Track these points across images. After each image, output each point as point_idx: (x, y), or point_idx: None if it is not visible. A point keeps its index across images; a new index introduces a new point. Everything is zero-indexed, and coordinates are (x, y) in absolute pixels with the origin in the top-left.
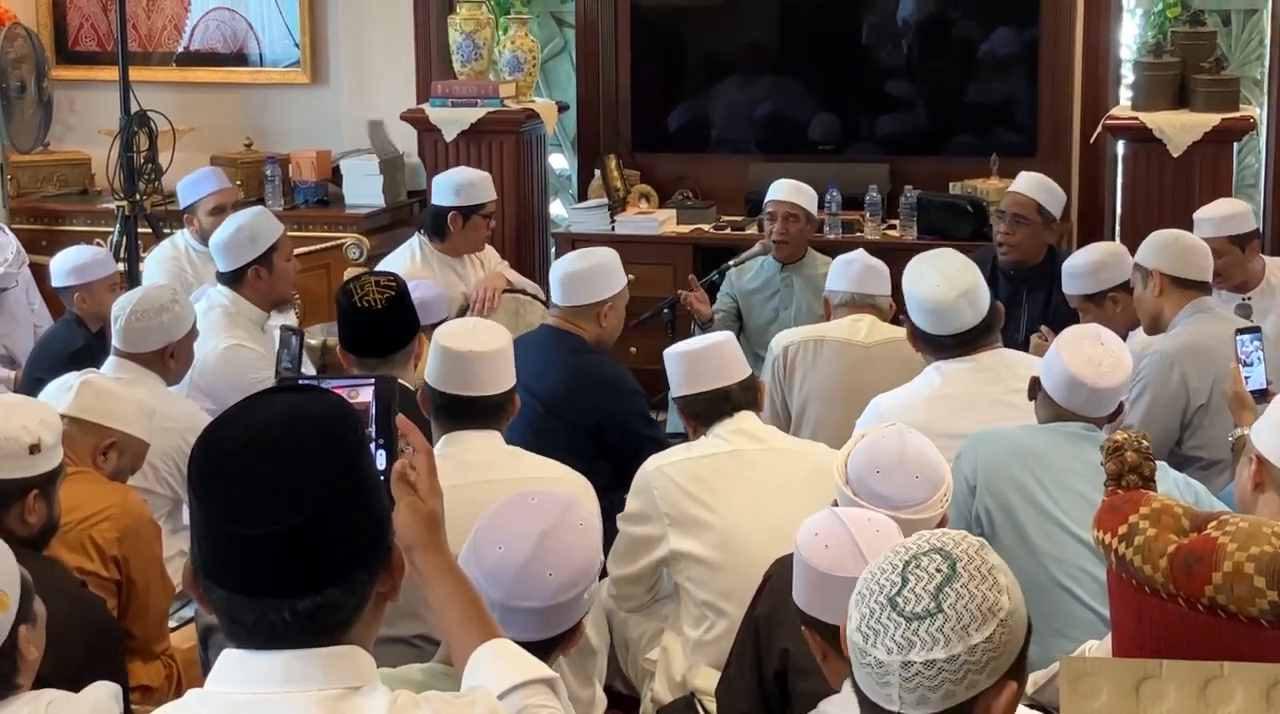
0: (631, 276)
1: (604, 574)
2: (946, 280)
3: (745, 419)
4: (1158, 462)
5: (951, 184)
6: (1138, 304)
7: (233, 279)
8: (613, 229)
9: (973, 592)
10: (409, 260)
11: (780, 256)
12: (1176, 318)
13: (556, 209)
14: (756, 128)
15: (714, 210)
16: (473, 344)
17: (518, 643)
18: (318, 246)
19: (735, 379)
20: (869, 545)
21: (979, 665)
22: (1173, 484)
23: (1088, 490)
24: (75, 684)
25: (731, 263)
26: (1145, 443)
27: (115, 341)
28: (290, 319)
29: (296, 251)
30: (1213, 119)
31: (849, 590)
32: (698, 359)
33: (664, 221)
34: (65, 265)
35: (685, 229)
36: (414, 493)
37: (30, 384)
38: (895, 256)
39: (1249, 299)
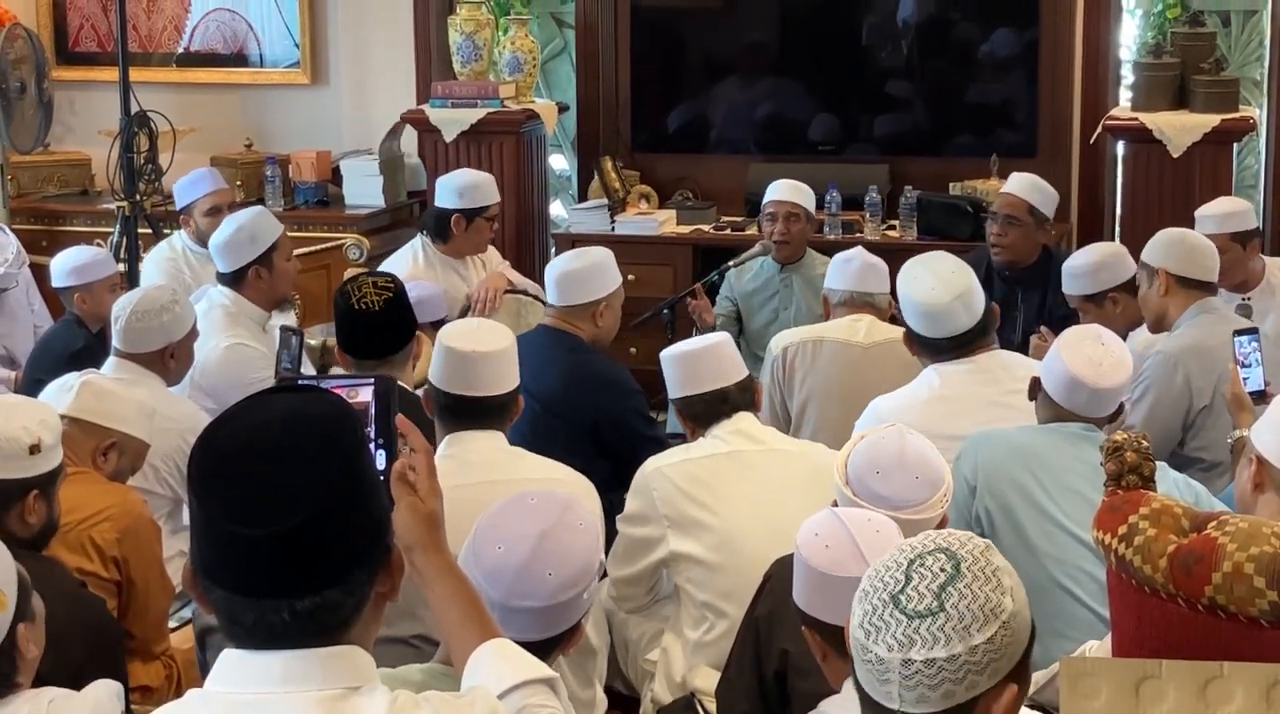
0: (631, 277)
1: (604, 574)
2: (941, 283)
3: (743, 420)
4: (1157, 462)
5: (951, 184)
6: (1142, 302)
7: (233, 279)
8: (613, 229)
9: (975, 592)
10: (411, 261)
11: (781, 257)
12: (1181, 318)
13: (556, 210)
14: (756, 128)
15: (714, 211)
16: (476, 344)
17: (517, 643)
18: (318, 247)
19: (732, 380)
20: (869, 546)
21: (979, 666)
22: (1172, 484)
23: (1088, 491)
24: (75, 684)
25: (731, 263)
26: (1145, 443)
27: (115, 342)
28: (290, 319)
29: (296, 252)
30: (1212, 120)
31: (849, 591)
32: (694, 360)
33: (664, 222)
34: (65, 266)
35: (685, 230)
36: (414, 493)
37: (30, 385)
38: (895, 257)
39: (1249, 299)
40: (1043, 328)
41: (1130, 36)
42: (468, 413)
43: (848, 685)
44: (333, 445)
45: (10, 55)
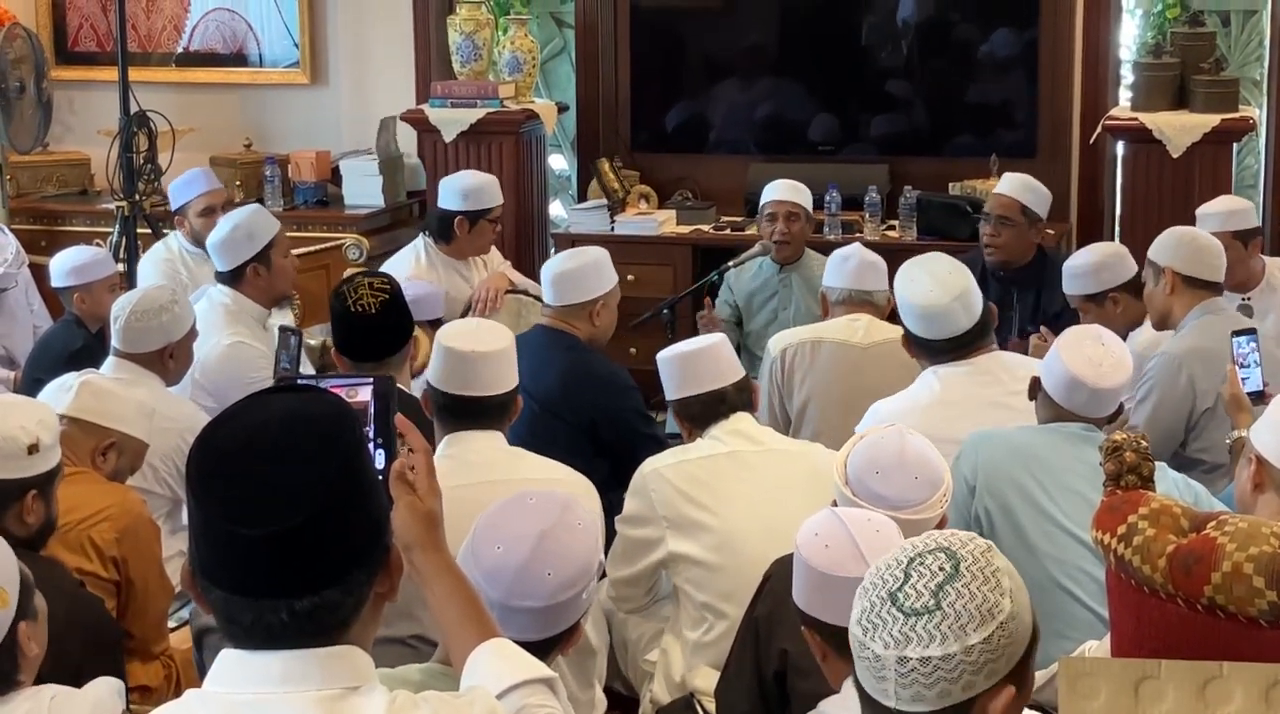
0: (631, 277)
1: (603, 575)
2: (939, 285)
3: (741, 420)
4: (1157, 462)
5: (951, 185)
6: (1147, 300)
7: (232, 278)
8: (612, 230)
9: (974, 592)
10: (413, 262)
11: (780, 257)
12: (1186, 318)
13: (556, 210)
14: (756, 128)
15: (713, 211)
16: (475, 344)
17: (517, 643)
18: (317, 247)
19: (729, 380)
20: (869, 545)
21: (976, 666)
22: (1172, 484)
23: (1087, 491)
24: (74, 684)
25: (731, 263)
26: (1144, 443)
27: (115, 342)
28: (289, 319)
29: (296, 252)
30: (1212, 120)
31: (849, 590)
32: (691, 361)
33: (663, 222)
34: (65, 266)
35: (685, 230)
36: (413, 492)
37: (29, 384)
38: (894, 257)
39: (1249, 299)
40: (1043, 328)
41: (1130, 36)
42: (467, 413)
43: (847, 685)
44: (332, 445)
45: (9, 55)
